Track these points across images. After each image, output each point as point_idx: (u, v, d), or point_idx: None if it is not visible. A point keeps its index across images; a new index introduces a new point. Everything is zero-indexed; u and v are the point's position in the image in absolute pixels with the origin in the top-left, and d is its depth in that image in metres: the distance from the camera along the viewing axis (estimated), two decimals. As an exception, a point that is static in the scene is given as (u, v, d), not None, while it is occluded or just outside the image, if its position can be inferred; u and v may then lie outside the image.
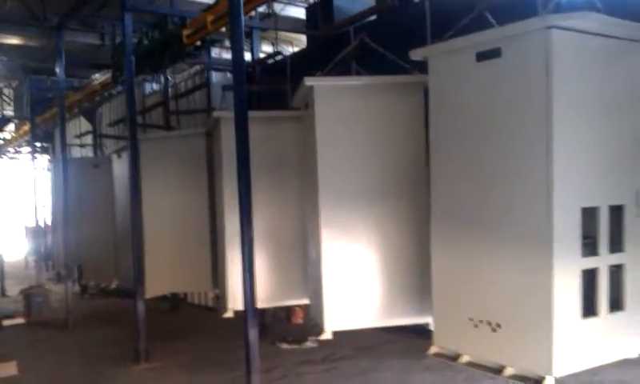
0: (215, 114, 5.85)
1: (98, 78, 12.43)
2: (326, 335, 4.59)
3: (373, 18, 7.52)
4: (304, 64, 6.18)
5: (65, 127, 9.82)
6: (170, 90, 10.10)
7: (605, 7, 3.64)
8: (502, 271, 3.73)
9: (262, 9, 10.36)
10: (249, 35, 9.50)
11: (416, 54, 4.10)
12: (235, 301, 5.45)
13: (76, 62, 11.84)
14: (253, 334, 4.61)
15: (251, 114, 4.73)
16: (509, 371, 3.73)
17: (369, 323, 4.70)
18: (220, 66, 10.14)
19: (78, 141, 14.14)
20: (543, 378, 3.52)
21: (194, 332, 8.35)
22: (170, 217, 6.74)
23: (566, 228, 3.49)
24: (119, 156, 8.56)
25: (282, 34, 11.15)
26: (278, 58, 9.12)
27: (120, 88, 11.50)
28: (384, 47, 5.11)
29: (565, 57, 3.43)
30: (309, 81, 4.52)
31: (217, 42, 9.88)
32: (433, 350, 4.17)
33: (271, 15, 9.98)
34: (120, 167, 8.51)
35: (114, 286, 9.43)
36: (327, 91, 4.49)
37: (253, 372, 4.57)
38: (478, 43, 3.75)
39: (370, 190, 4.55)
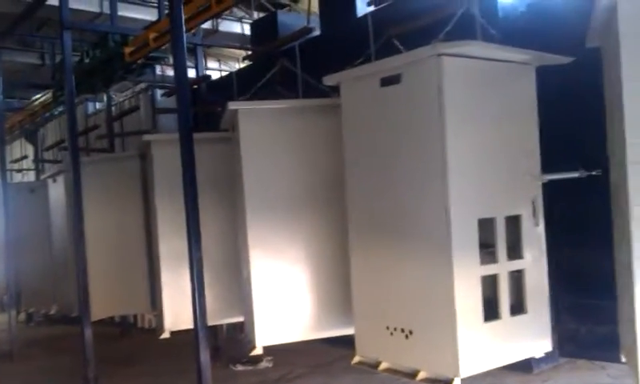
0: (146, 137, 6.24)
1: (39, 98, 12.63)
2: (258, 351, 4.99)
3: (316, 34, 8.03)
4: (251, 80, 6.56)
5: (4, 150, 10.01)
6: (113, 109, 10.40)
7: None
8: (411, 280, 4.20)
9: (206, 25, 10.81)
10: (193, 52, 9.90)
11: (328, 80, 4.60)
12: (171, 321, 5.81)
13: (15, 83, 12.05)
14: (204, 356, 4.73)
15: (175, 136, 5.11)
16: (422, 375, 4.18)
17: (300, 336, 5.12)
18: (165, 83, 10.50)
19: (17, 165, 14.23)
20: (452, 380, 4.00)
21: (144, 357, 8.56)
22: (108, 240, 7.05)
23: (464, 238, 3.98)
24: (54, 180, 8.84)
25: (229, 51, 11.60)
26: (224, 74, 9.52)
27: (62, 108, 11.73)
28: (326, 64, 5.51)
29: (455, 79, 3.94)
30: (233, 105, 4.96)
31: (161, 60, 10.24)
32: (356, 359, 4.63)
33: (215, 32, 10.41)
34: (56, 191, 8.78)
35: (52, 311, 9.62)
36: (250, 114, 4.95)
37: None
38: (382, 70, 4.26)
39: (296, 207, 5.00)
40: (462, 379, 3.97)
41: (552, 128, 4.51)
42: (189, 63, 8.59)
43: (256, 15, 10.98)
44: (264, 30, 9.30)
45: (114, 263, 7.08)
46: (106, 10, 10.04)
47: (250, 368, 7.40)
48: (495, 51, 4.09)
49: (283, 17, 9.46)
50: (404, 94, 4.15)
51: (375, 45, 5.21)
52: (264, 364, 7.40)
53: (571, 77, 4.44)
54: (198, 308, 4.82)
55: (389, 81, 4.21)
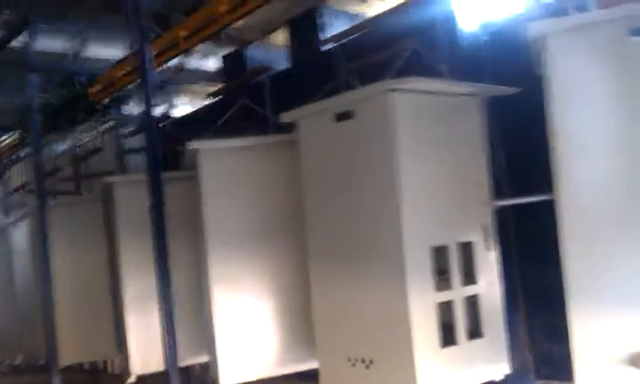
0: (107, 179, 6.39)
1: (5, 139, 12.67)
2: (223, 389, 5.09)
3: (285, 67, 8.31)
4: (221, 115, 6.75)
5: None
6: (79, 149, 10.51)
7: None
8: (370, 309, 4.37)
9: (175, 60, 11.07)
10: (161, 88, 10.12)
11: (285, 117, 4.84)
12: (137, 365, 5.87)
13: (-20, 124, 12.08)
14: None
15: (137, 177, 5.27)
16: (385, 405, 4.34)
17: (265, 373, 5.22)
18: (132, 121, 10.64)
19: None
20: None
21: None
22: (74, 284, 7.12)
23: (418, 265, 4.19)
24: (16, 225, 8.87)
25: (199, 86, 11.82)
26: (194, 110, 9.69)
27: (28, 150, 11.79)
28: (295, 97, 5.66)
29: (405, 113, 4.21)
30: (193, 144, 5.17)
31: (126, 99, 10.42)
32: (320, 392, 4.75)
33: (182, 69, 10.64)
34: (19, 236, 8.80)
35: (18, 361, 9.52)
36: (210, 153, 5.15)
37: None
38: (336, 106, 4.52)
39: (257, 242, 5.17)
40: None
41: (520, 152, 4.75)
42: (157, 100, 8.84)
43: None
44: (233, 65, 9.61)
45: (79, 308, 7.14)
46: (72, 49, 10.24)
47: None
48: (442, 85, 4.38)
49: (253, 51, 9.80)
50: (358, 128, 4.40)
51: (335, 80, 5.47)
52: None
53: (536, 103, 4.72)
54: (169, 350, 4.81)
55: (343, 116, 4.46)
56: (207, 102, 9.13)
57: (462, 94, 4.52)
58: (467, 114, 4.56)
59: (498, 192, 4.79)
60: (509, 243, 5.75)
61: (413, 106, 4.27)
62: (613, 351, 3.11)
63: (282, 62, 8.80)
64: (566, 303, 3.22)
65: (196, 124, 8.64)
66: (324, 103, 4.61)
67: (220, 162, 5.16)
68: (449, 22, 5.35)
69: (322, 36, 7.33)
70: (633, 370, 3.02)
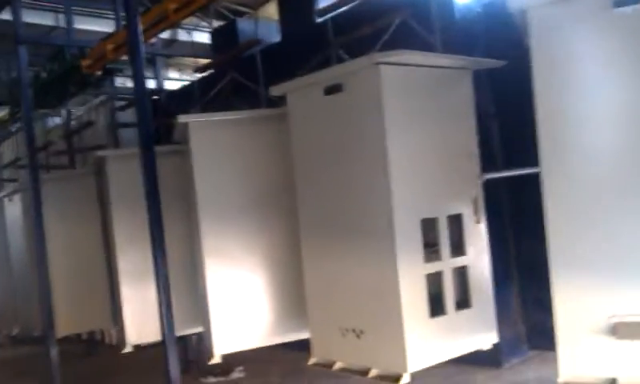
0: (100, 153, 6.41)
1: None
2: (216, 359, 5.20)
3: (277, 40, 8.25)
4: (213, 88, 6.72)
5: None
6: (72, 123, 10.48)
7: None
8: (360, 280, 4.46)
9: (166, 34, 10.98)
10: (152, 62, 10.05)
11: (274, 91, 4.85)
12: (133, 335, 5.98)
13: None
14: (174, 370, 4.71)
15: (129, 150, 5.28)
16: (373, 372, 4.45)
17: (258, 343, 5.33)
18: (124, 95, 10.60)
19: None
20: (401, 375, 4.26)
21: (113, 374, 8.59)
22: (69, 257, 7.21)
23: (408, 238, 4.25)
24: (10, 199, 8.91)
25: (191, 60, 11.78)
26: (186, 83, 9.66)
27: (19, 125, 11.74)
28: (287, 69, 5.63)
29: (393, 86, 4.22)
30: (183, 118, 5.18)
31: (119, 71, 10.34)
32: (311, 360, 4.87)
33: (174, 41, 10.59)
34: (13, 210, 8.85)
35: (15, 332, 9.65)
36: (201, 126, 5.17)
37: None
38: (324, 79, 4.53)
39: (249, 215, 5.23)
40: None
41: (513, 124, 4.74)
42: (148, 74, 8.77)
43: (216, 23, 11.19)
44: (224, 38, 9.55)
45: (75, 280, 7.25)
46: (62, 23, 10.16)
47: (222, 379, 7.45)
48: (431, 58, 4.38)
49: (243, 24, 9.72)
50: (346, 101, 4.42)
51: (325, 53, 5.46)
52: (236, 374, 7.45)
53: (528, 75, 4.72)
54: (165, 320, 4.76)
55: (332, 89, 4.47)
56: (198, 76, 9.12)
57: (451, 67, 4.52)
58: (457, 86, 4.57)
59: (492, 164, 4.83)
60: (503, 216, 5.86)
61: (401, 79, 4.28)
62: (594, 321, 3.20)
63: (273, 36, 8.77)
64: (550, 274, 3.29)
65: (189, 98, 8.64)
66: (313, 77, 4.62)
67: (210, 136, 5.19)
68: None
69: (314, 7, 7.29)
70: (613, 339, 3.11)
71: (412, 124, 4.34)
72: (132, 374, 8.14)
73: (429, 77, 4.42)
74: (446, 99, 4.53)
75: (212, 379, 7.45)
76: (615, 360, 3.15)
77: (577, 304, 3.24)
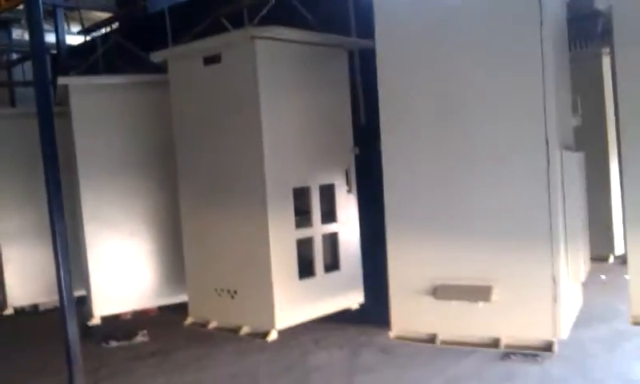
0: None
1: None
2: (96, 320, 5.35)
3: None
4: (118, 46, 6.56)
5: None
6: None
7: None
8: (235, 244, 4.74)
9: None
10: (52, 14, 9.56)
11: (155, 57, 4.96)
12: (17, 297, 6.00)
13: None
14: (72, 332, 4.47)
15: (9, 111, 5.22)
16: (244, 330, 4.79)
17: (138, 305, 5.55)
18: (21, 48, 10.05)
19: None
20: (269, 332, 4.63)
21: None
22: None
23: (279, 205, 4.58)
24: None
25: (96, 14, 11.24)
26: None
27: None
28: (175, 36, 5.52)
29: (268, 60, 4.47)
30: (63, 80, 5.18)
31: (16, 22, 9.80)
32: (188, 320, 5.15)
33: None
34: None
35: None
36: (81, 89, 5.19)
37: (76, 372, 4.44)
38: (204, 49, 4.70)
39: (130, 180, 5.37)
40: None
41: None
42: (47, 26, 8.29)
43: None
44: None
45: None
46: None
47: (125, 343, 7.39)
48: (305, 35, 4.67)
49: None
50: (224, 72, 4.63)
51: (205, 23, 5.53)
52: (139, 338, 7.42)
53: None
54: (63, 282, 4.58)
55: (211, 60, 4.66)
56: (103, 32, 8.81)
57: (326, 44, 4.83)
58: (331, 63, 4.90)
59: (364, 139, 5.20)
60: (373, 185, 6.26)
61: (277, 54, 4.54)
62: (419, 282, 3.68)
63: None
64: (386, 238, 3.74)
65: (89, 55, 8.38)
66: (191, 46, 4.78)
67: (90, 99, 5.22)
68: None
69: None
70: (433, 300, 3.61)
71: (286, 97, 4.63)
72: (28, 341, 7.81)
73: (304, 53, 4.71)
74: (321, 75, 4.84)
75: (114, 343, 7.38)
76: (436, 318, 3.66)
77: (404, 265, 3.72)
